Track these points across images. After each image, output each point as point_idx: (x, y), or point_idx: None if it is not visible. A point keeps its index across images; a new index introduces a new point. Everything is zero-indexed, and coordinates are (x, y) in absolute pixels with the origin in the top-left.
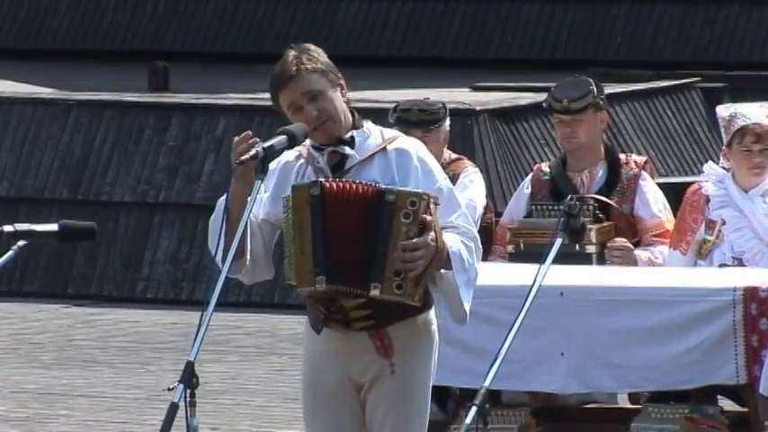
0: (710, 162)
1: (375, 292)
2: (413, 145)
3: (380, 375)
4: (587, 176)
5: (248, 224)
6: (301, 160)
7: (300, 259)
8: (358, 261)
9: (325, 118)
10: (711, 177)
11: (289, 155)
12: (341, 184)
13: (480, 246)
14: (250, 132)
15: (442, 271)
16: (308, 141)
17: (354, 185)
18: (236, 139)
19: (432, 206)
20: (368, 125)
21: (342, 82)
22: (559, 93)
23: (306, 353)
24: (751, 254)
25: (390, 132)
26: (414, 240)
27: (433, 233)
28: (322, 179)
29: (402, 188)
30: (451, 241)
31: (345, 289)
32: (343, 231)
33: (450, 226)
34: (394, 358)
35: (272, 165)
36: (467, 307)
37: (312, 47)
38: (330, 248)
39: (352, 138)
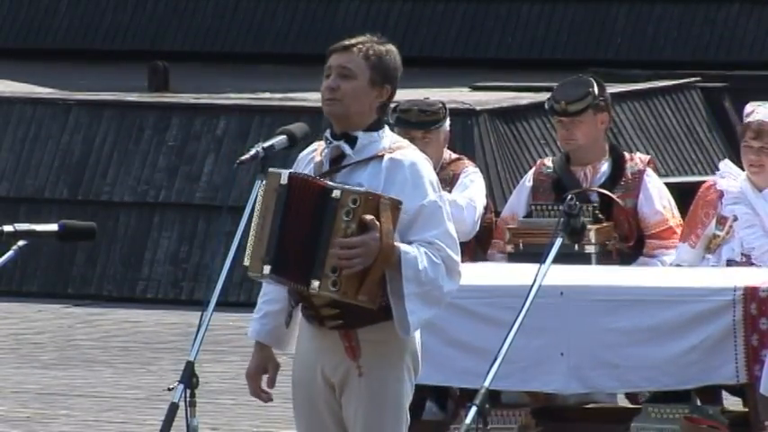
0: (726, 160)
1: (314, 289)
2: (411, 157)
3: (349, 377)
4: (590, 170)
5: None
6: (314, 152)
7: (257, 244)
8: (303, 256)
9: (337, 96)
10: (728, 174)
11: (311, 146)
12: (307, 179)
13: (458, 269)
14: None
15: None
16: (327, 132)
17: (316, 182)
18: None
19: (385, 208)
20: (383, 131)
21: (384, 91)
22: (559, 94)
23: (296, 349)
24: (760, 251)
25: (399, 142)
26: (350, 239)
27: (376, 233)
28: (293, 171)
29: (349, 186)
30: (410, 249)
31: (287, 282)
32: (297, 225)
33: (425, 241)
34: (361, 361)
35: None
36: (413, 320)
37: (390, 46)
38: (282, 240)
39: (356, 138)
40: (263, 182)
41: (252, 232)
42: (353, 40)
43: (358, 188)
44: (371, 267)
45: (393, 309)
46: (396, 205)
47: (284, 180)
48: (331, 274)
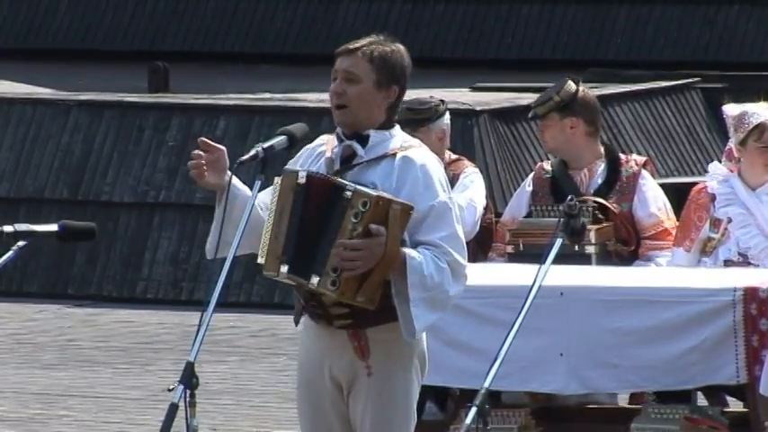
0: (715, 162)
1: (313, 284)
2: (423, 157)
3: (358, 377)
4: (587, 174)
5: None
6: (322, 147)
7: (273, 243)
8: (311, 252)
9: (343, 102)
10: (717, 177)
11: (318, 140)
12: (324, 178)
13: (464, 272)
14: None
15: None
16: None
17: (332, 181)
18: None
19: (394, 214)
20: (394, 130)
21: (391, 91)
22: (539, 96)
23: (299, 350)
24: (756, 250)
25: (410, 141)
26: (354, 241)
27: (382, 239)
28: (311, 170)
29: (362, 188)
30: (415, 254)
31: (297, 279)
32: (313, 223)
33: (432, 243)
34: (370, 360)
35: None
36: (418, 325)
37: (396, 46)
38: (300, 238)
39: (368, 136)
40: (277, 183)
41: (266, 230)
42: (358, 43)
43: (370, 191)
44: (373, 270)
45: (399, 313)
46: (407, 210)
47: (302, 179)
48: (331, 273)
